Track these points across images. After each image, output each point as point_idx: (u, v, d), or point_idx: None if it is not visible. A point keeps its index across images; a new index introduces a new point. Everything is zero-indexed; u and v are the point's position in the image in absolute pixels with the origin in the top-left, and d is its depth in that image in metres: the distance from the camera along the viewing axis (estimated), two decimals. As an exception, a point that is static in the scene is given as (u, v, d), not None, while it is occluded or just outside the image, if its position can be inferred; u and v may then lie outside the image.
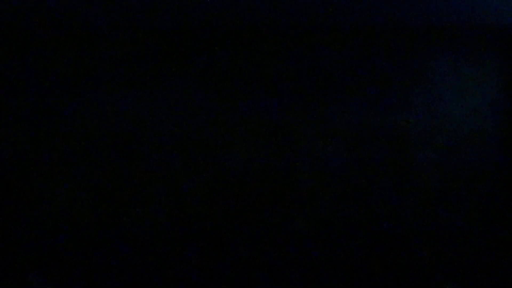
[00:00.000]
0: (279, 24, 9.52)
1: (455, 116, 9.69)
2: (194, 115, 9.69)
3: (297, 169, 9.68)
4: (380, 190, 9.73)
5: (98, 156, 9.64)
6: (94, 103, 9.65)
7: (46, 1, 7.28)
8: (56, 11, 8.04)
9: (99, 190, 9.73)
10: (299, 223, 9.68)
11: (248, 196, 9.70)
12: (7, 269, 9.86)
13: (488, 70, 9.80)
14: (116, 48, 9.90)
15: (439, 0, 7.98)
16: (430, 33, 9.75)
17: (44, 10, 7.89)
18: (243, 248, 10.15)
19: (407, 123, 8.41)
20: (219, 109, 9.60)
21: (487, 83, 9.84)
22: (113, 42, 9.73)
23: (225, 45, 9.77)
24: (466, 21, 8.84)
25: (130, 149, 9.76)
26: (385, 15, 8.41)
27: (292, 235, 9.69)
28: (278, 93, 9.71)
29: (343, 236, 9.80)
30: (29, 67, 9.59)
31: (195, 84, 9.68)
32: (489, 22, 8.95)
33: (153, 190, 9.64)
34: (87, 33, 9.57)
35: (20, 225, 9.64)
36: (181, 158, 9.74)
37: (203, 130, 9.60)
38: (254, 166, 9.62)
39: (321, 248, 10.07)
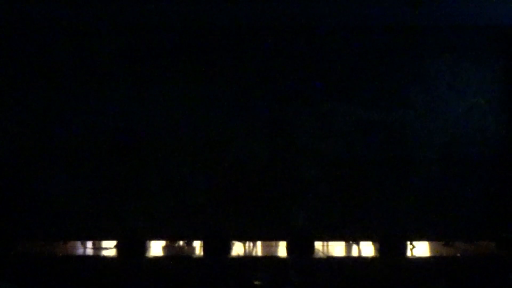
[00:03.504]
0: (281, 23, 9.54)
1: (455, 113, 9.70)
2: (197, 111, 9.76)
3: (297, 161, 9.72)
4: (378, 182, 9.76)
5: (100, 152, 9.72)
6: (97, 100, 9.71)
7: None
8: (58, 8, 8.05)
9: (100, 183, 9.79)
10: (298, 212, 9.76)
11: (249, 187, 9.77)
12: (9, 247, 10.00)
13: (488, 68, 9.80)
14: (118, 46, 9.91)
15: (439, 0, 7.99)
16: (429, 32, 9.77)
17: (46, 7, 7.90)
18: (244, 238, 10.27)
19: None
20: (221, 105, 9.66)
21: (486, 81, 9.83)
22: (115, 40, 9.76)
23: (227, 43, 9.81)
24: (465, 20, 8.86)
25: (132, 144, 9.85)
26: (386, 14, 8.42)
27: (291, 225, 9.77)
28: (279, 91, 9.77)
29: (342, 226, 9.83)
30: (32, 64, 9.66)
31: (198, 81, 9.73)
32: (488, 22, 8.96)
33: (155, 183, 9.71)
34: (88, 30, 9.61)
35: (21, 216, 9.73)
36: (184, 152, 9.80)
37: (205, 126, 9.67)
38: (255, 159, 9.69)
39: (321, 238, 10.19)
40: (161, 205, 9.65)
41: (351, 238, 10.31)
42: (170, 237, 10.13)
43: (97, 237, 10.41)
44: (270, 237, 10.38)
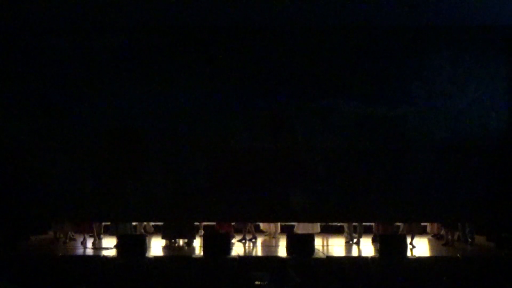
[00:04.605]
0: (282, 23, 9.55)
1: (456, 108, 9.66)
2: (199, 104, 9.89)
3: (296, 150, 9.81)
4: (377, 170, 9.82)
5: (102, 139, 9.90)
6: (101, 92, 9.85)
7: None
8: (61, 6, 8.05)
9: (102, 168, 9.94)
10: (297, 194, 9.82)
11: (249, 172, 9.93)
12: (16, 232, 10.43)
13: (489, 64, 9.75)
14: (121, 43, 9.95)
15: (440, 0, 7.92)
16: (430, 30, 9.75)
17: (50, 6, 7.89)
18: (243, 219, 10.34)
19: None
20: (223, 99, 9.76)
21: (488, 76, 9.79)
22: (117, 37, 9.80)
23: (231, 42, 9.85)
24: (467, 19, 8.84)
25: (133, 132, 10.02)
26: (388, 13, 8.40)
27: (289, 206, 9.87)
28: (281, 86, 9.82)
29: (341, 209, 9.78)
30: (37, 62, 9.75)
31: (202, 76, 9.84)
32: (490, 21, 8.93)
33: (155, 167, 9.85)
34: (92, 28, 9.66)
35: (28, 200, 10.02)
36: (184, 139, 9.93)
37: (206, 117, 9.81)
38: (254, 148, 9.80)
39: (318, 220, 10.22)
40: (161, 188, 9.83)
41: (350, 220, 10.36)
42: (170, 219, 10.26)
43: (100, 220, 10.51)
44: (269, 219, 10.48)
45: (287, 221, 10.89)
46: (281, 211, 9.86)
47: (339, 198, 9.74)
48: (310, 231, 10.41)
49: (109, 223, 10.63)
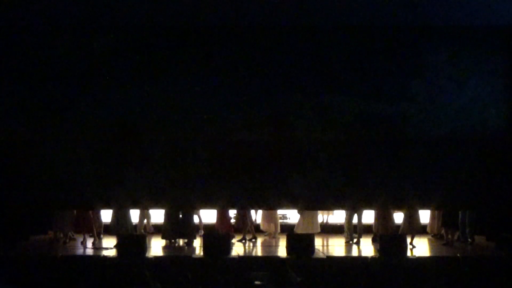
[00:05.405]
0: (285, 21, 9.59)
1: (455, 105, 9.67)
2: (202, 100, 9.99)
3: (295, 144, 9.90)
4: (377, 160, 9.91)
5: (104, 130, 10.03)
6: (107, 89, 9.97)
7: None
8: (65, 5, 8.06)
9: (104, 156, 10.06)
10: (297, 182, 9.91)
11: (249, 161, 10.17)
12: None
13: (488, 61, 9.76)
14: (122, 40, 10.01)
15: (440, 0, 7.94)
16: (430, 29, 9.76)
17: (55, 4, 7.91)
18: (244, 206, 10.44)
19: None
20: (223, 94, 9.84)
21: (487, 74, 9.80)
22: (118, 35, 9.84)
23: (233, 40, 9.89)
24: (467, 19, 8.86)
25: (135, 121, 10.25)
26: (388, 13, 8.42)
27: (289, 193, 9.94)
28: (281, 83, 9.90)
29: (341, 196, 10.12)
30: (39, 57, 9.83)
31: (206, 73, 9.95)
32: (489, 21, 8.96)
33: (156, 155, 9.93)
34: (92, 27, 9.71)
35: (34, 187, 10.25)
36: (185, 130, 10.07)
37: (209, 112, 9.92)
38: (254, 140, 9.92)
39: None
40: (162, 177, 10.00)
41: (351, 207, 10.40)
42: (170, 205, 10.36)
43: (102, 207, 10.59)
44: (269, 206, 10.55)
45: (286, 208, 11.13)
46: (280, 199, 9.98)
47: (337, 186, 9.87)
48: (310, 231, 10.40)
49: (109, 223, 10.62)
